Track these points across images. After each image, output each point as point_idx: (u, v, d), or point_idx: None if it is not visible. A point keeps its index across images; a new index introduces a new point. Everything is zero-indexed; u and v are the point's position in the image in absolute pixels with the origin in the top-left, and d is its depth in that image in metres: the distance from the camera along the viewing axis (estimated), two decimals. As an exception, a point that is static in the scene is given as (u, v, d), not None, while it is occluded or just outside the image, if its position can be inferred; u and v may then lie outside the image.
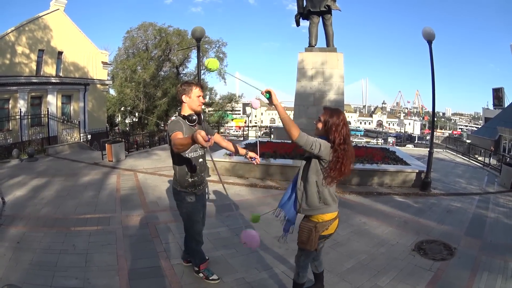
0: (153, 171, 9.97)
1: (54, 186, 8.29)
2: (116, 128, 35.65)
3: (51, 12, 21.05)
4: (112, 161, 11.67)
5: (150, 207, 6.57)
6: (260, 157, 9.28)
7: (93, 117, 24.01)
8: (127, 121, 39.38)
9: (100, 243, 4.76)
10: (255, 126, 62.61)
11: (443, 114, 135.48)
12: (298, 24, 13.48)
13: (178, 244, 4.72)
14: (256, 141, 12.80)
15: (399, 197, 7.43)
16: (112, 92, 35.79)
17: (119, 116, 38.01)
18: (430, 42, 8.32)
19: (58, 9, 21.44)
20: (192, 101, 3.11)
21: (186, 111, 3.14)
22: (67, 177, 9.32)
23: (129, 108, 34.71)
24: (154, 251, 4.49)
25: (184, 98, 3.10)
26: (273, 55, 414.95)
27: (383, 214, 6.46)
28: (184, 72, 36.99)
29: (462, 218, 6.26)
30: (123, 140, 13.88)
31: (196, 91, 3.11)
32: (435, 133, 8.97)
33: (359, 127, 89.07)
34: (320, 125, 2.75)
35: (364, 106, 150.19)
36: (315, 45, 13.09)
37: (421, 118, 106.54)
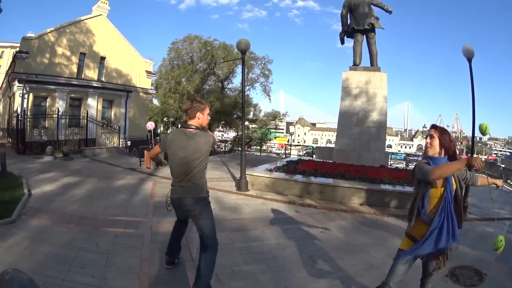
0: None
1: (86, 185, 8.44)
2: (158, 137, 36.57)
3: (93, 17, 22.32)
4: (150, 168, 11.82)
5: (184, 216, 6.38)
6: (300, 174, 9.14)
7: (134, 124, 24.79)
8: (169, 131, 40.22)
9: (125, 246, 4.62)
10: (298, 145, 62.30)
11: (480, 138, 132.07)
12: (342, 42, 13.90)
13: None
14: (298, 159, 12.72)
15: (436, 221, 6.98)
16: (155, 101, 37.00)
17: (162, 126, 39.06)
18: (470, 60, 8.29)
19: (101, 14, 22.69)
20: (205, 118, 3.55)
21: (195, 123, 3.50)
22: (101, 179, 9.50)
23: (171, 119, 35.57)
24: (181, 259, 4.28)
25: (198, 114, 3.47)
26: (316, 75, 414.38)
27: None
28: (228, 86, 37.62)
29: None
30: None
31: (207, 110, 3.58)
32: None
33: (399, 151, 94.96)
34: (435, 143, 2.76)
35: (405, 130, 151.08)
36: (360, 64, 13.38)
37: (459, 143, 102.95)
